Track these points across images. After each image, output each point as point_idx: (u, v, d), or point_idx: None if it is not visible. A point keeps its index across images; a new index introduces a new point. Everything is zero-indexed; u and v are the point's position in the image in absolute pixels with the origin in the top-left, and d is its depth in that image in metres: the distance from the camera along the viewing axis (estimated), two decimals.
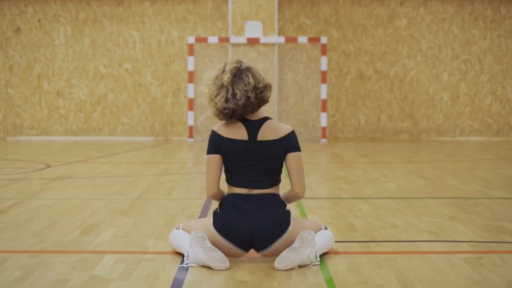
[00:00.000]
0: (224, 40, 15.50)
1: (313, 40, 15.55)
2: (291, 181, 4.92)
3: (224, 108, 4.79)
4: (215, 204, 5.16)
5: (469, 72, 16.17)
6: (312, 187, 8.46)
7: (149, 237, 5.65)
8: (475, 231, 5.87)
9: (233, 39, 15.37)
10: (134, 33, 16.04)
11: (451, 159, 11.86)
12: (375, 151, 13.36)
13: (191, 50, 15.56)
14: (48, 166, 10.69)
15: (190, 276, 4.50)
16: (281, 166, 4.90)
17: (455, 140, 15.98)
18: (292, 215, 5.00)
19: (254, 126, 4.84)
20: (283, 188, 5.32)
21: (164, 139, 16.11)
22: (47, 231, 5.86)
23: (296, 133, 4.96)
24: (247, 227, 4.75)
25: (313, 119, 15.80)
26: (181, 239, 4.94)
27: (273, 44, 15.51)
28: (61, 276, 4.51)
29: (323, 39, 15.49)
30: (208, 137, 4.93)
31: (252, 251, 4.92)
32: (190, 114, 15.59)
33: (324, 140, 15.54)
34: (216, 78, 4.84)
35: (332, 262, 4.82)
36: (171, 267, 4.70)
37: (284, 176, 5.17)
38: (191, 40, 15.57)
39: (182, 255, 4.92)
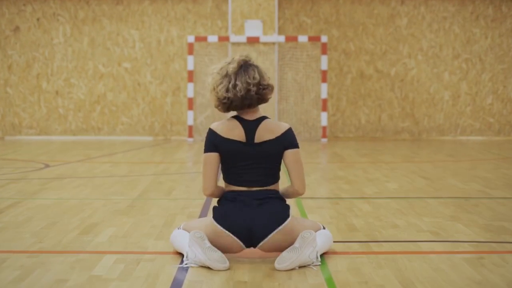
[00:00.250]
0: (224, 39, 15.48)
1: (314, 39, 15.54)
2: (290, 178, 4.93)
3: (224, 98, 4.80)
4: (214, 203, 5.15)
5: (470, 71, 16.16)
6: (312, 187, 8.45)
7: (149, 237, 5.64)
8: (476, 231, 5.86)
9: (233, 38, 15.35)
10: (133, 32, 16.01)
11: (452, 159, 11.85)
12: (375, 150, 13.36)
13: (190, 49, 15.54)
14: (47, 165, 10.68)
15: (189, 276, 4.49)
16: (280, 164, 4.91)
17: (456, 140, 15.98)
18: (292, 214, 4.97)
19: (251, 127, 4.85)
20: (282, 185, 5.30)
21: (163, 138, 16.10)
22: (46, 231, 5.85)
23: (295, 132, 4.96)
24: (246, 221, 4.75)
25: (313, 118, 15.79)
26: (181, 239, 4.92)
27: (273, 43, 15.49)
28: (60, 276, 4.49)
29: (324, 38, 15.48)
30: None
31: (251, 250, 4.91)
32: (190, 114, 15.57)
33: (324, 140, 15.53)
34: (221, 68, 4.86)
35: (333, 262, 4.81)
36: (171, 267, 4.69)
37: (283, 174, 5.13)
38: (190, 39, 15.56)
39: (182, 255, 4.91)
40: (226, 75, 4.81)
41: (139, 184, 8.70)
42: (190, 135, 15.59)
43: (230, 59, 4.90)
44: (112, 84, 16.05)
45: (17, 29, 16.00)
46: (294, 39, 15.50)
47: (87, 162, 11.26)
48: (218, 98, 4.84)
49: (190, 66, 15.54)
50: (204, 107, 15.65)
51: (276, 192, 4.89)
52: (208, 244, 4.68)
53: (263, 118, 4.89)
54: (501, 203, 7.30)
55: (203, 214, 6.65)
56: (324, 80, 15.49)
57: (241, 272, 4.59)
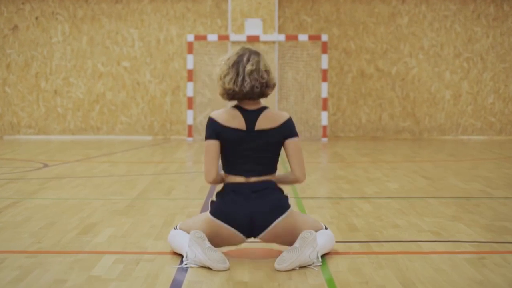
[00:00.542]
0: (223, 38, 15.46)
1: (314, 38, 15.52)
2: (291, 167, 4.95)
3: (230, 89, 4.83)
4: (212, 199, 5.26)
5: (471, 70, 16.15)
6: (312, 186, 8.46)
7: (148, 237, 5.63)
8: (478, 231, 5.85)
9: (233, 37, 15.33)
10: (132, 31, 16.00)
11: (453, 158, 11.85)
12: (376, 150, 13.35)
13: (190, 48, 15.52)
14: (45, 165, 10.66)
15: (189, 277, 4.48)
16: (278, 154, 4.93)
17: (457, 139, 15.97)
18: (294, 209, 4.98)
19: (252, 116, 4.86)
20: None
21: (163, 138, 16.09)
22: (45, 231, 5.84)
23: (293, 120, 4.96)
24: (246, 211, 4.75)
25: (313, 118, 15.78)
26: (180, 239, 4.91)
27: (273, 42, 15.47)
28: (59, 276, 4.48)
29: (324, 37, 15.46)
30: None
31: (251, 249, 4.93)
32: (190, 113, 15.55)
33: (324, 139, 15.51)
34: (229, 59, 4.89)
35: (333, 263, 4.80)
36: (170, 268, 4.68)
37: (281, 162, 5.12)
38: (190, 38, 15.54)
39: (181, 256, 4.90)
40: (233, 67, 4.84)
41: (138, 183, 8.69)
42: (190, 135, 15.57)
43: (239, 49, 4.93)
44: (111, 83, 16.03)
45: (15, 27, 15.98)
46: (295, 38, 15.48)
47: (86, 161, 11.26)
48: (224, 89, 4.87)
49: (190, 65, 15.52)
50: (204, 106, 15.64)
51: (274, 183, 4.90)
52: (208, 244, 4.67)
53: (264, 108, 4.91)
54: (502, 203, 7.29)
55: None
56: (324, 79, 15.47)
57: (241, 272, 4.57)
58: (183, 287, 4.30)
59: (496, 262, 4.79)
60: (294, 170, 4.93)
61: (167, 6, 15.99)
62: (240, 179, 4.85)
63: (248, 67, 4.82)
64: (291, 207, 4.87)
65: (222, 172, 4.97)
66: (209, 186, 8.25)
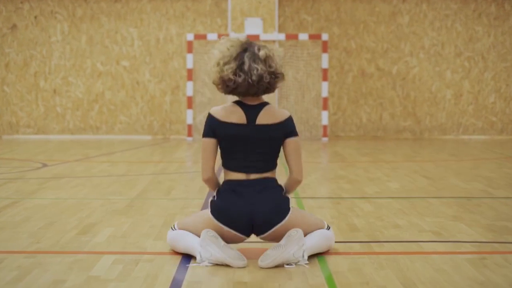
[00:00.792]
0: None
1: (314, 37, 15.51)
2: (288, 166, 4.91)
3: (229, 80, 4.67)
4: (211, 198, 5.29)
5: (472, 70, 16.13)
6: (313, 186, 8.47)
7: (148, 237, 5.62)
8: (479, 231, 5.85)
9: (233, 36, 15.21)
10: (132, 30, 15.97)
11: (454, 158, 11.85)
12: (377, 150, 13.35)
13: (190, 47, 15.51)
14: (44, 165, 10.66)
15: (189, 277, 4.47)
16: (278, 151, 4.88)
17: (458, 139, 15.96)
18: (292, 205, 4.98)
19: (253, 110, 4.79)
20: (280, 176, 5.27)
21: (162, 137, 16.08)
22: (44, 231, 5.83)
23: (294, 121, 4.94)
24: (246, 211, 4.72)
25: (314, 117, 15.77)
26: (186, 238, 4.88)
27: (274, 41, 15.44)
28: (58, 277, 4.47)
29: (324, 36, 15.44)
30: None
31: (252, 249, 4.97)
32: (189, 112, 15.53)
33: (325, 139, 15.50)
34: (232, 46, 4.69)
35: (333, 263, 4.79)
36: (170, 268, 4.66)
37: (280, 163, 5.09)
38: (190, 37, 15.53)
39: (182, 255, 4.91)
40: (238, 56, 4.67)
41: (137, 183, 8.69)
42: (190, 134, 15.55)
43: (243, 37, 4.76)
44: (110, 83, 16.01)
45: (14, 27, 15.97)
46: (295, 37, 15.46)
47: (85, 161, 11.25)
48: (221, 77, 4.70)
49: (189, 65, 15.50)
50: (204, 106, 15.63)
51: (274, 180, 4.86)
52: (223, 242, 4.67)
53: (265, 103, 4.84)
54: (504, 203, 7.29)
55: None
56: (325, 78, 15.46)
57: (241, 272, 4.56)
58: (183, 287, 4.28)
59: (497, 263, 4.77)
60: (291, 169, 4.89)
61: (167, 5, 15.96)
62: (240, 175, 4.81)
63: (251, 53, 4.66)
64: (292, 208, 4.85)
65: (221, 173, 4.99)
66: None
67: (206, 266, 4.64)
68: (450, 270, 4.60)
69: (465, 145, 14.35)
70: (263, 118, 4.76)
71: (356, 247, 5.28)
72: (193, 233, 4.88)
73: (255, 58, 4.65)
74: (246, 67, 4.63)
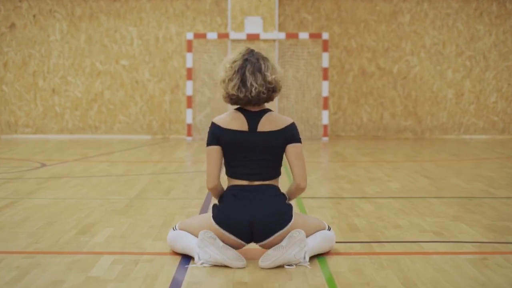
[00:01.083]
0: (223, 36, 15.40)
1: (315, 36, 15.48)
2: (292, 172, 4.93)
3: (233, 95, 4.82)
4: (214, 201, 5.26)
5: (474, 69, 16.12)
6: (313, 186, 8.46)
7: (147, 237, 5.63)
8: (480, 231, 5.85)
9: (233, 35, 15.28)
10: (131, 29, 15.95)
11: (455, 158, 11.85)
12: (377, 149, 13.35)
13: (189, 46, 15.47)
14: (43, 165, 10.66)
15: (188, 278, 4.47)
16: (281, 158, 4.94)
17: (459, 139, 15.96)
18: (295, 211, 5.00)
19: (254, 117, 4.86)
20: (283, 184, 5.31)
21: (162, 137, 16.06)
22: (43, 231, 5.84)
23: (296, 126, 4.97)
24: (247, 217, 4.75)
25: (314, 117, 15.75)
26: (186, 239, 4.90)
27: (274, 40, 15.43)
28: (57, 277, 4.47)
29: (325, 35, 15.43)
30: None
31: (252, 250, 4.98)
32: (189, 112, 15.50)
33: (325, 139, 15.48)
34: (234, 62, 4.86)
35: (334, 263, 4.80)
36: (169, 268, 4.66)
37: (284, 172, 5.07)
38: (189, 36, 15.49)
39: (182, 256, 4.92)
40: (239, 72, 4.82)
41: (137, 183, 8.69)
42: (189, 134, 15.52)
43: (244, 50, 4.91)
44: (109, 82, 15.98)
45: (13, 26, 15.94)
46: (295, 36, 15.42)
47: (84, 161, 11.25)
48: (227, 93, 4.86)
49: (189, 64, 15.47)
50: (203, 105, 15.60)
51: (277, 189, 4.90)
52: (221, 243, 4.69)
53: (267, 110, 4.91)
54: (505, 202, 7.29)
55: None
56: (325, 77, 15.45)
57: (241, 273, 4.56)
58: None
59: (499, 263, 4.78)
60: (295, 176, 4.92)
61: (166, 4, 15.93)
62: (243, 182, 4.87)
63: (251, 69, 4.82)
64: (294, 216, 4.85)
65: (224, 184, 4.97)
66: None
67: (205, 266, 4.66)
68: (451, 270, 4.60)
69: (466, 145, 14.35)
70: (265, 125, 4.84)
71: (357, 247, 5.28)
72: (193, 234, 4.89)
73: (255, 71, 4.82)
74: (248, 83, 4.78)
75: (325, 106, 15.47)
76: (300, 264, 4.66)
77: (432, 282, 4.34)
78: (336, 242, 5.25)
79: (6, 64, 15.96)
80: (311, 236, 4.87)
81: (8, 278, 4.41)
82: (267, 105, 5.23)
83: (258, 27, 15.30)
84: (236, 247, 4.84)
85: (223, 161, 4.93)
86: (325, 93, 15.44)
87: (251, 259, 4.81)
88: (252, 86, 4.77)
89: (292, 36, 15.44)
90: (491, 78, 16.12)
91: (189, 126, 15.52)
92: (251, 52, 4.89)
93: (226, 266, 4.64)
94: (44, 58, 15.96)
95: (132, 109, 16.04)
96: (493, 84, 16.13)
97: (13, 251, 5.12)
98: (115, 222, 6.21)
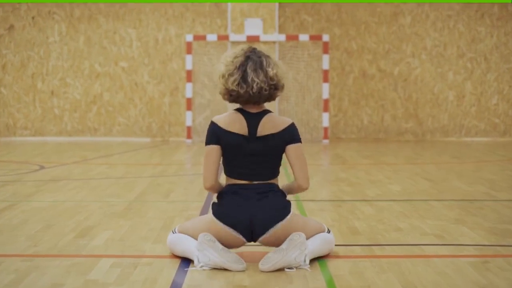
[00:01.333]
0: (223, 38, 15.39)
1: (315, 38, 15.47)
2: (293, 173, 4.93)
3: (233, 90, 4.78)
4: (214, 200, 5.29)
5: (475, 71, 16.11)
6: (313, 189, 8.44)
7: (146, 240, 5.62)
8: (481, 234, 5.85)
9: (233, 37, 15.26)
10: (130, 31, 15.93)
11: (457, 160, 11.85)
12: (378, 152, 13.35)
13: (189, 48, 15.46)
14: (42, 167, 10.66)
15: (188, 281, 4.46)
16: (281, 158, 4.94)
17: (460, 141, 15.96)
18: (293, 211, 5.00)
19: (254, 120, 4.85)
20: (281, 180, 5.32)
21: (161, 140, 16.05)
22: (41, 234, 5.83)
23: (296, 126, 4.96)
24: (247, 212, 4.76)
25: (314, 119, 15.74)
26: (185, 242, 4.89)
27: (274, 42, 15.43)
28: (56, 280, 4.46)
29: (325, 37, 15.42)
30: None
31: (252, 251, 4.99)
32: (188, 114, 15.49)
33: (326, 141, 15.47)
34: (236, 57, 4.82)
35: (334, 266, 4.79)
36: (169, 271, 4.65)
37: (282, 171, 5.03)
38: (189, 38, 15.49)
39: (182, 259, 4.91)
40: (240, 68, 4.78)
41: (136, 186, 8.69)
42: (189, 136, 15.51)
43: (246, 47, 4.87)
44: (108, 84, 15.96)
45: (11, 27, 15.94)
46: (295, 38, 15.41)
47: (83, 163, 11.25)
48: (226, 89, 4.81)
49: (189, 66, 15.46)
50: (203, 108, 15.59)
51: (276, 186, 4.91)
52: (221, 246, 4.68)
53: (267, 111, 4.89)
54: (506, 205, 7.28)
55: None
56: (325, 80, 15.43)
57: (241, 276, 4.55)
58: None
59: (500, 266, 4.76)
60: (296, 176, 4.92)
61: (166, 5, 15.91)
62: (242, 182, 4.87)
63: (252, 65, 4.77)
64: (293, 211, 4.87)
65: (221, 181, 4.96)
66: None
67: (204, 269, 4.65)
68: (452, 273, 4.58)
69: (468, 147, 14.35)
70: (264, 128, 4.83)
71: (357, 250, 5.27)
72: (193, 237, 4.88)
73: (256, 68, 4.77)
74: (249, 78, 4.74)
75: (326, 108, 15.46)
76: (300, 267, 4.64)
77: (433, 285, 4.32)
78: (337, 245, 5.25)
79: (5, 66, 15.94)
80: (311, 239, 4.87)
81: (6, 281, 4.40)
82: (267, 106, 5.17)
83: (258, 29, 15.28)
84: (236, 245, 4.84)
85: (221, 161, 4.92)
86: (325, 95, 15.42)
87: (251, 262, 4.78)
88: (253, 81, 4.72)
89: (292, 38, 15.42)
90: (492, 80, 16.10)
91: (188, 128, 15.50)
92: (253, 50, 4.85)
93: (225, 269, 4.62)
94: (43, 60, 15.94)
95: (132, 111, 16.01)
96: (494, 86, 16.11)
97: (11, 254, 5.10)
98: (114, 225, 6.19)
